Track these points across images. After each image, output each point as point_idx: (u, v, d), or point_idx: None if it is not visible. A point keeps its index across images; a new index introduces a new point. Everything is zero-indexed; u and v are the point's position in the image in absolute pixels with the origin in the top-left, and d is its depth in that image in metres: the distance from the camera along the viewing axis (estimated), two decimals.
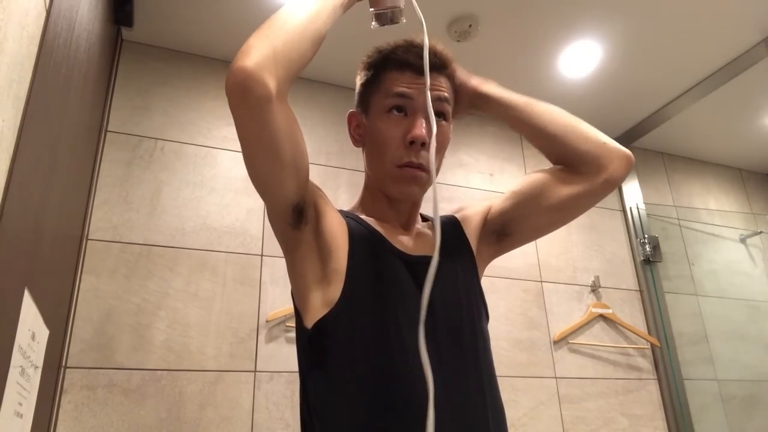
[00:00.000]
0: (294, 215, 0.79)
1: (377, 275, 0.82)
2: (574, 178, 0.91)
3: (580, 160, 0.91)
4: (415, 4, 0.86)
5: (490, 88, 0.94)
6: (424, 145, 0.83)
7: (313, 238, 0.82)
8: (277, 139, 0.71)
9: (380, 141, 0.86)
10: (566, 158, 0.92)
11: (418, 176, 0.84)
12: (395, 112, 0.85)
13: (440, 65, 0.88)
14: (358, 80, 0.94)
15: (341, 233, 0.83)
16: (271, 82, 0.67)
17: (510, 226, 0.95)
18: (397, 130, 0.84)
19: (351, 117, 0.94)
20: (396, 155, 0.84)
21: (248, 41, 0.69)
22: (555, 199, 0.91)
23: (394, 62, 0.87)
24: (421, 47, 0.85)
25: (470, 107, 0.96)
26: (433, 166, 0.79)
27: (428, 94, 0.82)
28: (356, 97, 0.94)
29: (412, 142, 0.83)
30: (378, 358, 0.77)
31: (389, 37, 0.90)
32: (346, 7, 0.82)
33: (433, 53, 0.87)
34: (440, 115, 0.87)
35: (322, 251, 0.81)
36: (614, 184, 0.91)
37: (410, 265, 0.85)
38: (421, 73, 0.83)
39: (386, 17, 0.86)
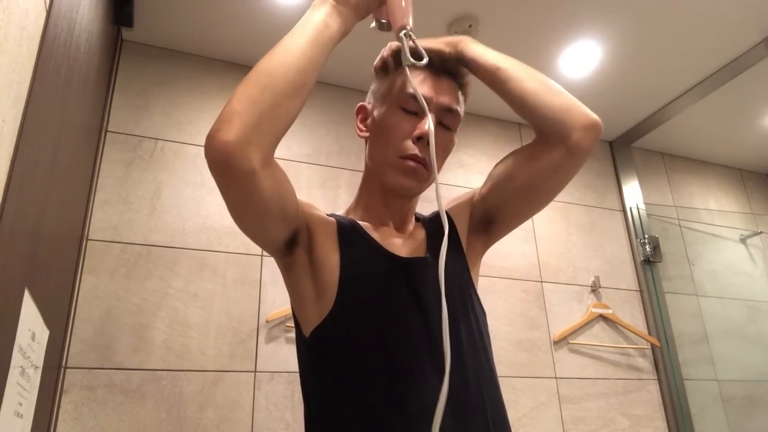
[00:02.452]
0: (286, 247, 0.81)
1: (370, 280, 0.82)
2: (540, 151, 0.85)
3: (544, 126, 0.83)
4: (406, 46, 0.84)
5: (471, 49, 0.89)
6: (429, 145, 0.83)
7: (306, 256, 0.83)
8: (262, 203, 0.70)
9: (389, 131, 0.86)
10: (534, 125, 0.86)
11: (419, 171, 0.84)
12: (407, 113, 0.85)
13: (455, 72, 0.88)
14: (375, 77, 0.94)
15: (332, 245, 0.83)
16: (256, 156, 0.63)
17: (492, 213, 0.92)
18: (407, 125, 0.84)
19: (360, 108, 0.95)
20: (402, 146, 0.84)
21: (231, 104, 0.64)
22: (525, 177, 0.87)
23: (414, 57, 0.84)
24: (439, 53, 0.86)
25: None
26: (434, 165, 0.79)
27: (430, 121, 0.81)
28: (371, 90, 0.94)
29: (419, 138, 0.83)
30: (375, 362, 0.76)
31: (388, 37, 0.91)
32: (337, 42, 0.78)
33: (458, 61, 0.88)
34: (446, 127, 0.87)
35: (315, 267, 0.82)
36: (580, 155, 0.81)
37: (403, 268, 0.84)
38: (438, 75, 0.86)
39: (385, 25, 0.86)
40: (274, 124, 0.66)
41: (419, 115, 0.85)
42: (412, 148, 0.83)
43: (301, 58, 0.70)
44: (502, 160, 0.93)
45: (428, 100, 0.84)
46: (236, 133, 0.62)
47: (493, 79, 0.87)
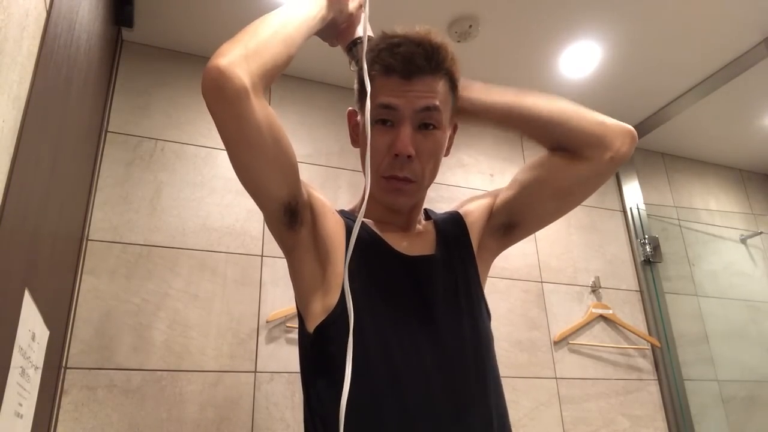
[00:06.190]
0: (287, 216, 0.80)
1: (374, 277, 0.82)
2: (578, 161, 0.88)
3: (581, 143, 0.87)
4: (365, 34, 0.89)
5: (473, 91, 0.89)
6: (410, 158, 0.81)
7: (311, 240, 0.83)
8: (256, 134, 0.71)
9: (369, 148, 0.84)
10: (567, 144, 0.88)
11: (403, 189, 0.84)
12: (381, 124, 0.83)
13: (432, 67, 0.82)
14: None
15: (339, 236, 0.84)
16: (245, 77, 0.69)
17: (517, 217, 0.94)
18: (383, 140, 0.82)
19: (350, 115, 0.94)
20: (382, 165, 0.83)
21: (221, 46, 0.72)
22: (561, 183, 0.89)
23: (381, 66, 0.82)
24: (411, 41, 0.81)
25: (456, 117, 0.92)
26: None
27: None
28: (355, 93, 0.91)
29: (396, 155, 0.81)
30: (377, 360, 0.77)
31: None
32: (322, 21, 0.84)
33: (429, 49, 0.81)
34: (427, 126, 0.83)
35: (321, 254, 0.82)
36: (620, 162, 0.88)
37: (408, 266, 0.85)
38: (408, 77, 0.81)
39: (353, 54, 0.91)
40: (259, 56, 0.72)
41: (395, 124, 0.82)
42: (391, 167, 0.82)
43: (282, 18, 0.79)
44: (530, 166, 0.93)
45: (399, 109, 0.81)
46: (226, 59, 0.69)
47: (515, 107, 0.89)
